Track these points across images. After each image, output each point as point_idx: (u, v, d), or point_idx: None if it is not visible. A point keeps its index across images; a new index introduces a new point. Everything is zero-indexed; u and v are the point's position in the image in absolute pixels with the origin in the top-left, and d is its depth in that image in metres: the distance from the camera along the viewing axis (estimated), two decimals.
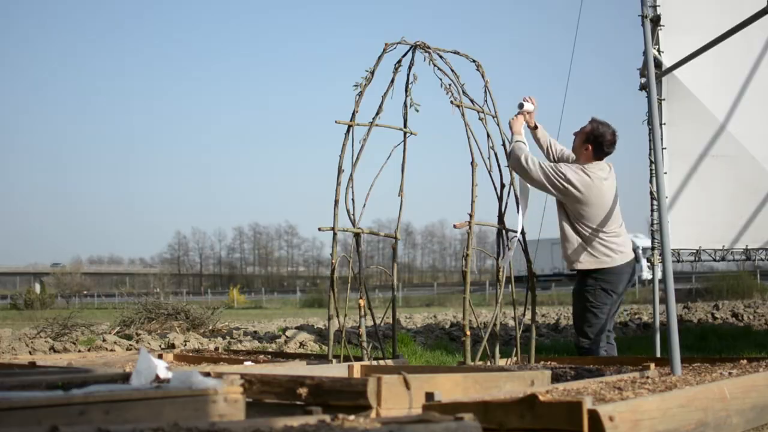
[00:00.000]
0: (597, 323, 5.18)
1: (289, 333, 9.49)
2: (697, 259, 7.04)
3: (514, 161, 5.17)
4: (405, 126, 5.59)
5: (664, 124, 6.64)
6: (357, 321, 5.28)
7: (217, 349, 7.59)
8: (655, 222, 6.53)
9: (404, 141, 5.57)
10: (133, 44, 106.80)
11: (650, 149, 6.41)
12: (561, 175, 5.11)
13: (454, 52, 5.28)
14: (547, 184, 5.12)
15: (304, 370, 4.45)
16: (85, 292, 56.33)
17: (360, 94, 5.28)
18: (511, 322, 11.03)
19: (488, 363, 4.87)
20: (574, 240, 5.24)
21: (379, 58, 5.26)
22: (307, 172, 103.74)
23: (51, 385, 2.67)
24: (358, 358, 5.02)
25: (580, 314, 5.27)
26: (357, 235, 5.29)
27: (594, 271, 5.21)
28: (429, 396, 2.61)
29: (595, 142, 5.27)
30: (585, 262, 5.23)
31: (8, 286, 68.17)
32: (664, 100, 6.66)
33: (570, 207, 5.23)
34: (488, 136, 5.21)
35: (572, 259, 5.24)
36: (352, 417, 1.97)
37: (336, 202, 5.20)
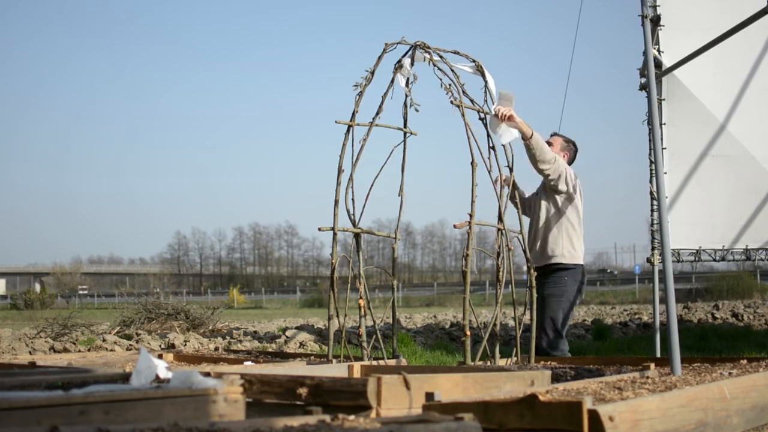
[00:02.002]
0: (568, 319, 5.68)
1: (289, 333, 9.49)
2: (697, 259, 7.04)
3: (548, 160, 5.45)
4: (405, 126, 5.58)
5: (664, 124, 6.64)
6: (357, 321, 5.28)
7: (217, 349, 7.59)
8: (655, 222, 6.53)
9: (404, 141, 5.57)
10: (134, 44, 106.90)
11: (650, 149, 6.42)
12: (572, 180, 5.60)
13: (454, 52, 5.28)
14: (560, 183, 5.54)
15: (304, 370, 4.45)
16: (86, 292, 56.28)
17: (360, 94, 5.28)
18: (511, 322, 11.02)
19: (488, 363, 4.87)
20: (559, 235, 5.64)
21: (379, 58, 5.26)
22: (307, 172, 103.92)
23: (51, 385, 2.67)
24: (358, 358, 5.02)
25: (547, 329, 5.55)
26: (357, 235, 5.29)
27: (569, 267, 5.64)
28: (429, 396, 2.60)
29: (571, 154, 5.91)
30: (568, 256, 5.64)
31: (8, 287, 68.19)
32: (664, 100, 6.66)
33: (560, 204, 5.67)
34: (488, 136, 5.21)
35: (555, 253, 5.63)
36: (352, 417, 1.97)
37: (336, 202, 5.20)
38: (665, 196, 5.61)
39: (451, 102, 5.11)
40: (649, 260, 6.64)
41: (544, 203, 5.70)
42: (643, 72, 6.63)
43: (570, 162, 5.94)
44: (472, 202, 4.94)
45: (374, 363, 4.85)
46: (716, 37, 5.43)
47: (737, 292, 27.98)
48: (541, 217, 5.71)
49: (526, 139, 5.31)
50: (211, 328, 11.12)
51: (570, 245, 5.64)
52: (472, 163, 5.00)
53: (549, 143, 5.86)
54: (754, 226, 7.06)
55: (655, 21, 6.50)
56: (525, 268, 5.45)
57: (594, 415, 2.30)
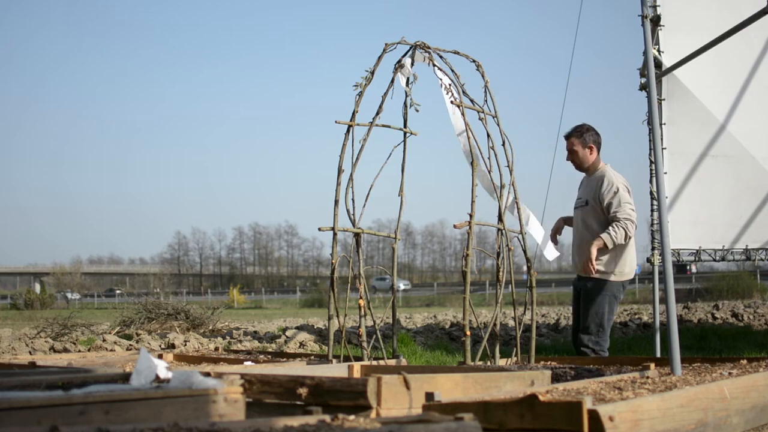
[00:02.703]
0: (613, 315, 5.50)
1: (289, 333, 9.49)
2: (697, 259, 7.04)
3: (626, 237, 5.33)
4: (405, 126, 5.59)
5: (664, 124, 6.64)
6: (357, 321, 5.28)
7: (217, 349, 7.59)
8: (655, 222, 6.53)
9: (404, 141, 5.57)
10: (134, 44, 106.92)
11: (650, 149, 6.41)
12: (634, 221, 5.33)
13: (454, 52, 5.29)
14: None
15: (304, 370, 4.45)
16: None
17: (360, 94, 5.28)
18: (511, 322, 11.02)
19: (488, 363, 4.87)
20: (605, 252, 5.38)
21: (379, 58, 5.27)
22: (307, 172, 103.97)
23: (51, 385, 2.67)
24: (358, 358, 5.02)
25: (590, 329, 5.42)
26: (357, 235, 5.29)
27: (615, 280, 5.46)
28: (429, 396, 2.60)
29: (596, 141, 5.55)
30: (618, 274, 5.42)
31: (8, 286, 68.20)
32: (664, 100, 6.66)
33: (603, 222, 5.44)
34: (488, 136, 5.21)
35: (605, 269, 5.38)
36: (352, 417, 1.97)
37: (336, 202, 5.21)
38: (665, 196, 5.61)
39: (451, 102, 5.11)
40: (649, 260, 6.64)
41: (588, 219, 5.47)
42: (643, 72, 6.62)
43: (599, 152, 5.58)
44: (472, 202, 4.94)
45: (374, 363, 4.85)
46: (716, 37, 5.42)
47: (737, 292, 27.96)
48: (584, 230, 5.49)
49: (608, 248, 5.31)
50: (211, 328, 11.12)
51: (615, 262, 5.39)
52: (472, 163, 5.00)
53: (572, 151, 5.55)
54: (754, 226, 7.06)
55: (655, 21, 6.50)
56: (525, 268, 5.45)
57: (594, 415, 2.30)
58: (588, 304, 5.41)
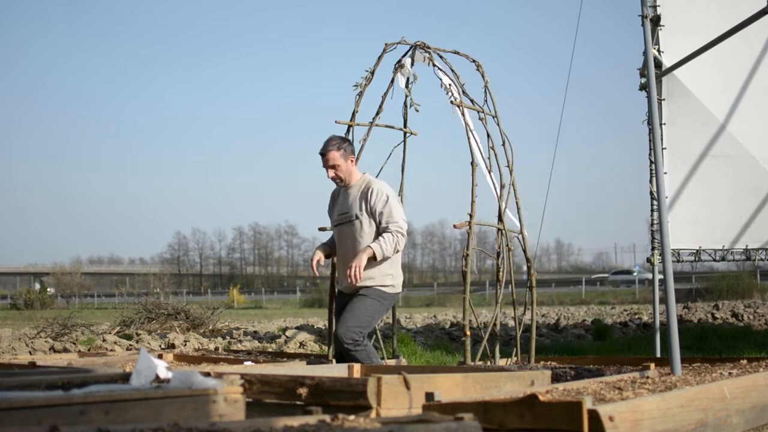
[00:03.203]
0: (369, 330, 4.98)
1: (289, 333, 9.49)
2: (697, 259, 7.04)
3: (395, 251, 4.94)
4: (405, 126, 5.59)
5: (664, 124, 6.64)
6: None
7: (217, 349, 7.60)
8: (655, 222, 6.53)
9: (404, 141, 5.57)
10: (134, 44, 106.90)
11: (650, 149, 6.42)
12: (404, 234, 4.93)
13: (454, 52, 5.29)
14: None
15: (304, 370, 4.45)
16: (86, 292, 56.29)
17: (360, 94, 5.28)
18: (511, 322, 11.03)
19: (488, 363, 4.87)
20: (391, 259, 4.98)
21: (379, 58, 5.27)
22: (307, 172, 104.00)
23: (51, 385, 2.67)
24: None
25: (361, 320, 4.84)
26: None
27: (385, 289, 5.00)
28: (429, 396, 2.61)
29: (353, 151, 5.07)
30: (397, 285, 5.03)
31: (8, 286, 68.22)
32: (664, 99, 6.66)
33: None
34: (488, 136, 5.22)
35: (377, 282, 4.92)
36: (352, 417, 1.97)
37: None
38: (665, 196, 5.61)
39: (451, 102, 5.11)
40: (649, 260, 6.64)
41: (357, 233, 4.96)
42: (643, 72, 6.63)
43: (356, 157, 5.12)
44: (472, 202, 4.95)
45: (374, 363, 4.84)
46: (716, 37, 5.42)
47: (737, 292, 27.96)
48: (353, 246, 4.98)
49: (377, 259, 4.84)
50: (211, 328, 11.12)
51: (382, 275, 4.98)
52: (472, 163, 5.01)
53: (333, 166, 4.97)
54: (754, 226, 7.06)
55: (655, 21, 6.50)
56: (525, 268, 5.45)
57: (594, 415, 2.30)
58: (355, 306, 4.89)
